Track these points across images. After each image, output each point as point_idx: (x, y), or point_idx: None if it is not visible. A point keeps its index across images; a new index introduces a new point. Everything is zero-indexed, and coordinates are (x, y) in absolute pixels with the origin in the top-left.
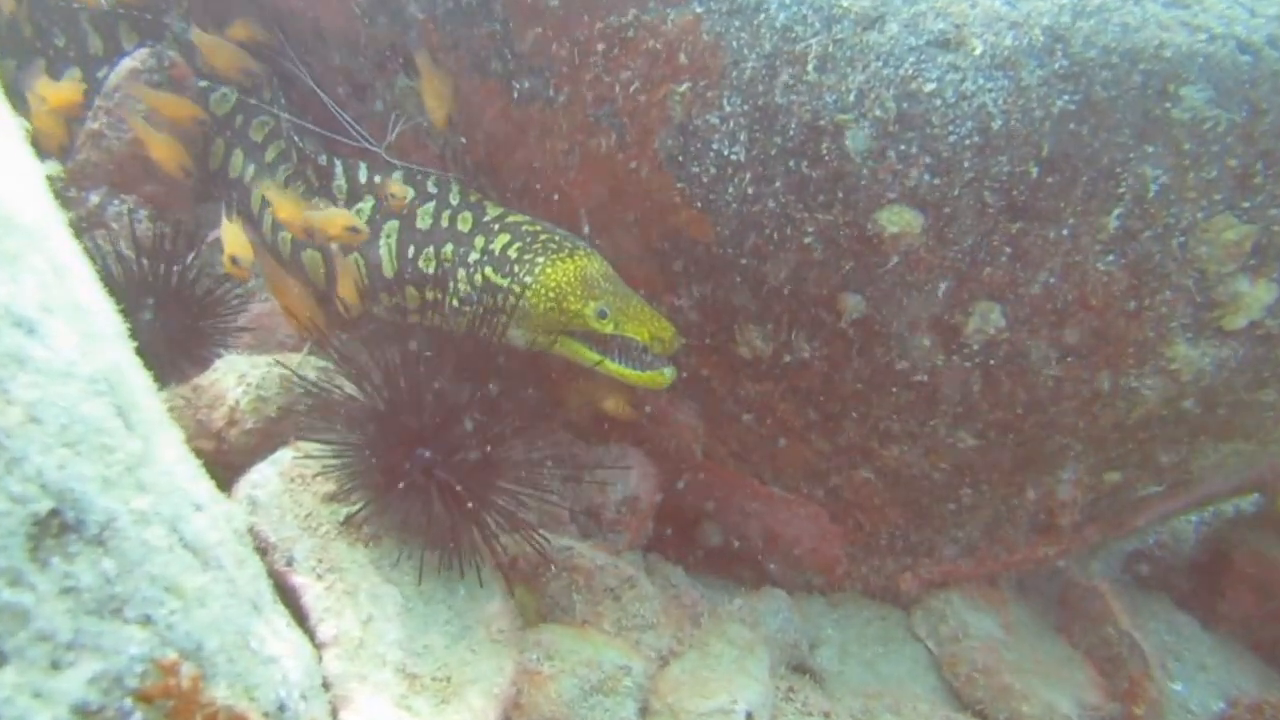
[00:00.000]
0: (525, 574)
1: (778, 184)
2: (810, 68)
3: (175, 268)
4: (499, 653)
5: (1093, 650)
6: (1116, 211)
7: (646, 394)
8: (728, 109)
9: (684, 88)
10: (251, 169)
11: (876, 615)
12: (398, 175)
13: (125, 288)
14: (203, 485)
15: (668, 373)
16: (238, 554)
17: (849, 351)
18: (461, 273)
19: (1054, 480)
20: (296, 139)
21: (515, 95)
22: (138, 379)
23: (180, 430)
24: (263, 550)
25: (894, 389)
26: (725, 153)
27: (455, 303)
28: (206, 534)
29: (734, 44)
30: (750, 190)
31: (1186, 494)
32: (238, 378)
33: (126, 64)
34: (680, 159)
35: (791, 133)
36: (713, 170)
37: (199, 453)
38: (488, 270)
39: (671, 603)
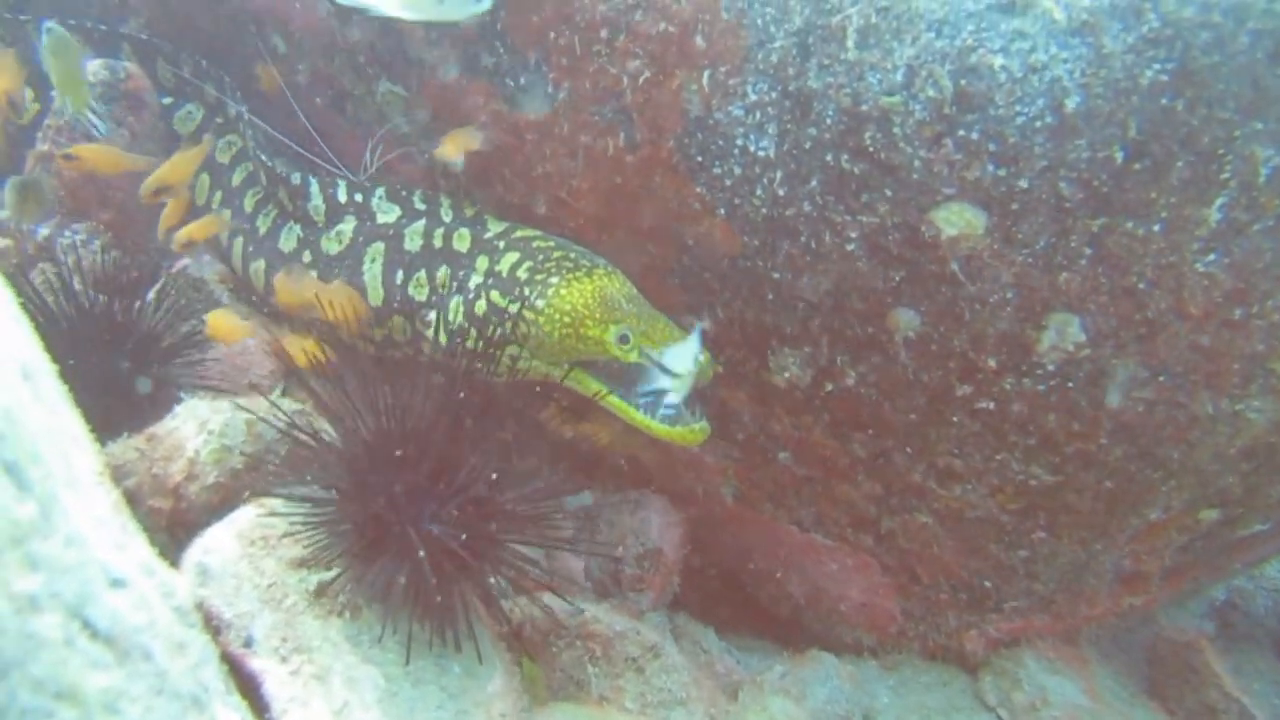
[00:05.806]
0: (532, 643)
1: (814, 183)
2: (849, 43)
3: (134, 304)
4: None
5: (1194, 718)
6: (1219, 201)
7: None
8: (753, 97)
9: (702, 75)
10: (219, 195)
11: (938, 680)
12: (381, 192)
13: (74, 326)
14: (132, 554)
15: (699, 428)
16: (175, 637)
17: (902, 376)
18: (456, 300)
19: (1142, 521)
20: (265, 158)
21: (509, 94)
22: (46, 425)
23: (112, 486)
24: (215, 629)
25: (955, 419)
26: (752, 149)
27: (444, 337)
28: (128, 617)
29: (759, 21)
30: (782, 192)
31: None
32: (198, 425)
33: None
34: (700, 159)
35: (829, 122)
36: (737, 170)
37: (155, 513)
38: (494, 294)
39: (703, 673)
